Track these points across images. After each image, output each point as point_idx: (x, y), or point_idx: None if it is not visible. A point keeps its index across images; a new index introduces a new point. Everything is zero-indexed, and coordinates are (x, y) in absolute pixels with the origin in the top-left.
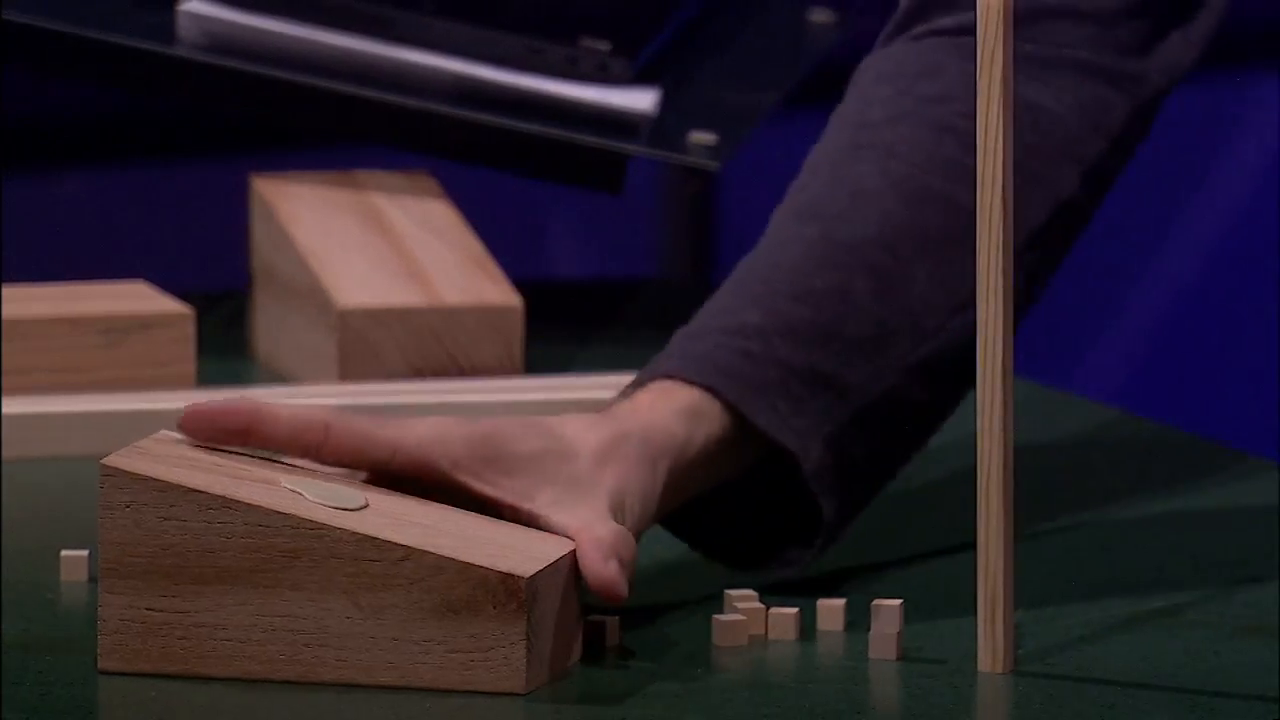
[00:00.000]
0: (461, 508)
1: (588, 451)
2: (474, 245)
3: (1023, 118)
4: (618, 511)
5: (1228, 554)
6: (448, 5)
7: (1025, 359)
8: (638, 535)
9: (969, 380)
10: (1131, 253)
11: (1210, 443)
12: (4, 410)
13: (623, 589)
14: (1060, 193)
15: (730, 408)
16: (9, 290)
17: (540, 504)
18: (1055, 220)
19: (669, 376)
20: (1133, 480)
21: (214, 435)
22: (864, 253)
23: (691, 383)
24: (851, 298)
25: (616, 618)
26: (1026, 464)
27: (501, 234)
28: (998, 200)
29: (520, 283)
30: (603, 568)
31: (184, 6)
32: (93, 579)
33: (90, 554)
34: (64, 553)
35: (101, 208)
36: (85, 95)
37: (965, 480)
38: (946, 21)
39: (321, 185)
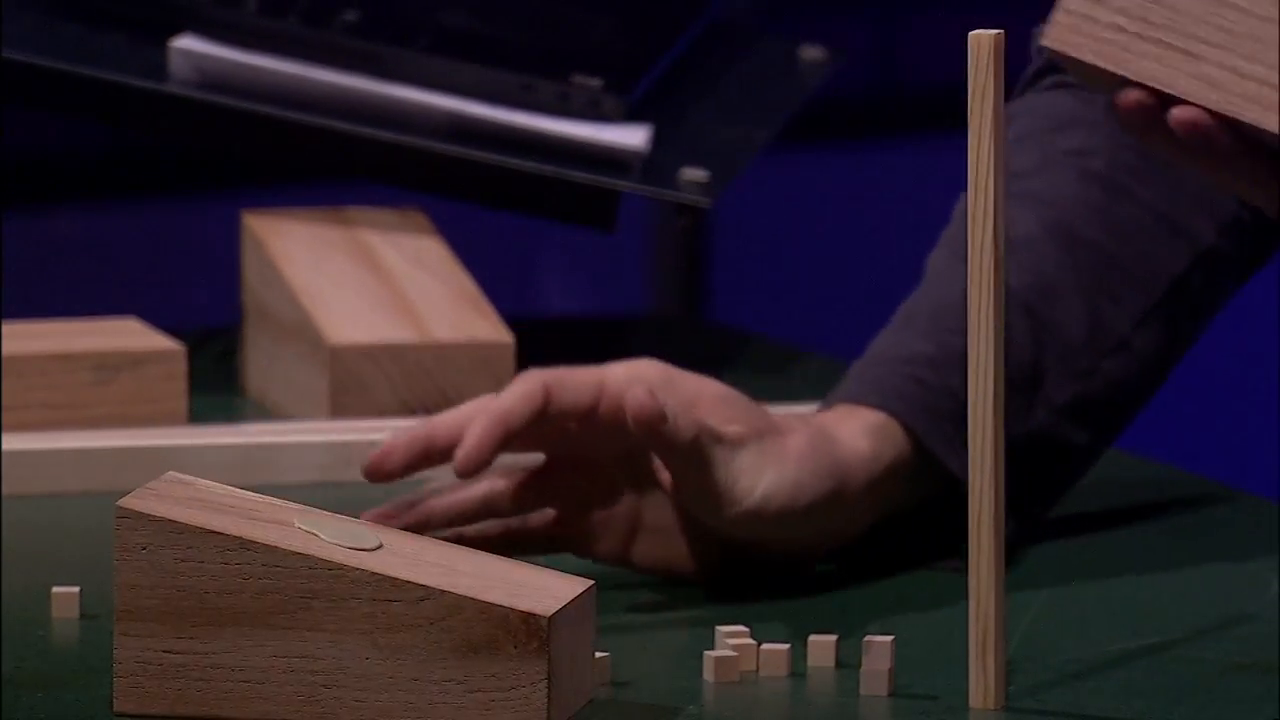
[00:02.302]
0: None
1: (793, 437)
2: (465, 282)
3: (1160, 167)
4: (782, 471)
5: (1220, 590)
6: (440, 42)
7: None
8: (778, 514)
9: (1123, 420)
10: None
11: (1201, 479)
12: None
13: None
14: (1198, 242)
15: (909, 431)
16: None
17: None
18: (1195, 270)
19: (849, 401)
20: (1124, 516)
21: (411, 466)
22: (1021, 296)
23: (871, 406)
24: (1009, 336)
25: (608, 655)
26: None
27: (493, 270)
28: (989, 238)
29: (512, 319)
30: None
31: (176, 43)
32: (84, 616)
33: (81, 591)
34: (55, 589)
35: (93, 244)
36: (78, 132)
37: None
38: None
39: (313, 222)
